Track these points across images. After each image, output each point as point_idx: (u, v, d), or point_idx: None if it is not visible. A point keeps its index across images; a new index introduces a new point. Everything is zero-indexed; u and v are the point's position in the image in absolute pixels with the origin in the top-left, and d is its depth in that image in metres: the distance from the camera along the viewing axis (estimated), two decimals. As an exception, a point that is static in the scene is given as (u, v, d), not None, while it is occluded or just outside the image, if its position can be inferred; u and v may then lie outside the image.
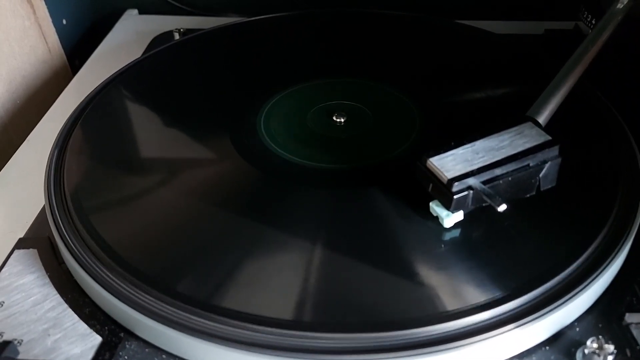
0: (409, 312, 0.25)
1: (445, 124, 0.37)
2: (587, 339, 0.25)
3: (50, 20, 0.54)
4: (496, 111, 0.38)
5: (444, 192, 0.28)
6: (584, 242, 0.28)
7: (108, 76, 0.42)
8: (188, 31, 0.53)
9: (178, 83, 0.43)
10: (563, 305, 0.25)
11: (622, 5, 0.36)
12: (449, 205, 0.28)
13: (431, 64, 0.44)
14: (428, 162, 0.29)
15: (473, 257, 0.28)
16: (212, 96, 0.41)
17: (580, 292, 0.26)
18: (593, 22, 0.42)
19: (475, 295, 0.26)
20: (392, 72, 0.43)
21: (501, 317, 0.25)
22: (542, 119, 0.31)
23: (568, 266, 0.27)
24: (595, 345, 0.25)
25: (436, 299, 0.26)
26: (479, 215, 0.29)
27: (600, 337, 0.25)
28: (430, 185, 0.29)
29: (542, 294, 0.26)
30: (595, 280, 0.26)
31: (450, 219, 0.29)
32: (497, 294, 0.26)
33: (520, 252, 0.28)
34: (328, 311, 0.26)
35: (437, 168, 0.28)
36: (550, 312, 0.25)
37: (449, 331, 0.24)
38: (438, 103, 0.39)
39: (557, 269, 0.26)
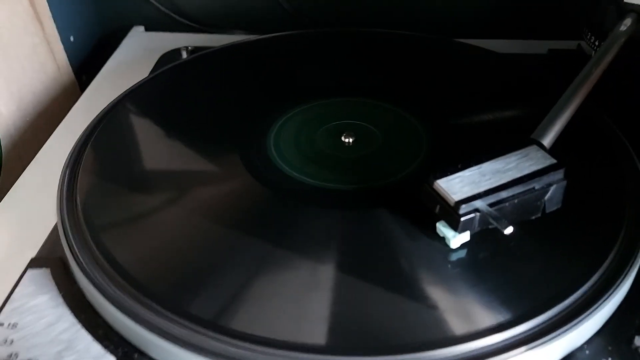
0: (419, 335, 0.25)
1: (453, 145, 0.37)
2: (596, 361, 0.25)
3: (58, 37, 0.55)
4: (501, 132, 0.38)
5: (451, 214, 0.29)
6: (593, 265, 0.28)
7: (116, 94, 0.43)
8: (196, 49, 0.53)
9: (188, 101, 0.43)
10: (573, 328, 0.25)
11: (625, 28, 0.37)
12: (456, 227, 0.28)
13: (437, 84, 0.45)
14: (435, 184, 0.29)
15: (482, 279, 0.28)
16: (221, 115, 0.42)
17: (590, 315, 0.26)
18: (596, 43, 0.43)
19: (485, 318, 0.26)
20: (401, 92, 0.43)
21: (512, 340, 0.25)
22: (546, 141, 0.32)
23: (577, 289, 0.27)
24: (604, 367, 0.25)
25: (446, 322, 0.26)
26: (486, 236, 0.29)
27: (609, 359, 0.25)
28: (437, 206, 0.29)
29: (553, 317, 0.26)
30: (604, 303, 0.27)
31: (457, 239, 0.29)
32: (507, 317, 0.26)
33: (528, 274, 0.28)
34: (338, 334, 0.26)
35: (444, 190, 0.29)
36: (561, 335, 0.25)
37: (459, 354, 0.24)
38: (445, 124, 0.40)
39: (566, 291, 0.27)
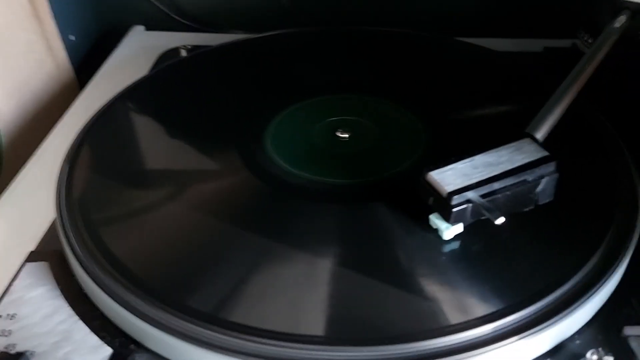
0: (410, 325, 0.26)
1: (450, 142, 0.38)
2: (587, 351, 0.26)
3: (57, 35, 0.55)
4: (498, 128, 0.39)
5: (443, 205, 0.29)
6: (584, 256, 0.28)
7: (115, 92, 0.43)
8: (195, 47, 0.54)
9: (186, 99, 0.44)
10: (564, 318, 0.26)
11: (619, 25, 0.37)
12: (448, 217, 0.29)
13: (434, 81, 0.45)
14: (428, 175, 0.30)
15: (475, 270, 0.28)
16: (219, 112, 0.42)
17: (581, 305, 0.26)
18: (590, 40, 0.43)
19: (477, 308, 0.26)
20: (399, 89, 0.43)
21: (503, 329, 0.25)
22: (540, 135, 0.32)
23: (568, 280, 0.27)
24: (595, 357, 0.25)
25: (438, 312, 0.26)
26: (480, 228, 0.29)
27: (600, 349, 0.26)
28: (431, 198, 0.30)
29: (544, 307, 0.26)
30: (595, 294, 0.27)
31: (450, 231, 0.29)
32: (498, 306, 0.26)
33: (520, 265, 0.29)
34: (334, 326, 0.26)
35: (437, 182, 0.29)
36: (552, 325, 0.26)
37: (451, 344, 0.25)
38: (441, 119, 0.40)
39: (557, 282, 0.27)
